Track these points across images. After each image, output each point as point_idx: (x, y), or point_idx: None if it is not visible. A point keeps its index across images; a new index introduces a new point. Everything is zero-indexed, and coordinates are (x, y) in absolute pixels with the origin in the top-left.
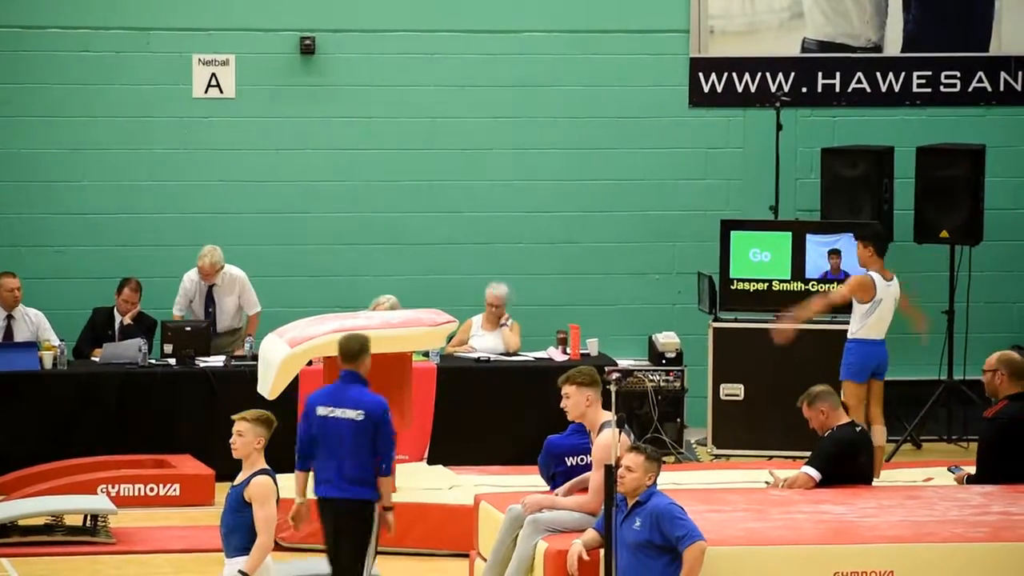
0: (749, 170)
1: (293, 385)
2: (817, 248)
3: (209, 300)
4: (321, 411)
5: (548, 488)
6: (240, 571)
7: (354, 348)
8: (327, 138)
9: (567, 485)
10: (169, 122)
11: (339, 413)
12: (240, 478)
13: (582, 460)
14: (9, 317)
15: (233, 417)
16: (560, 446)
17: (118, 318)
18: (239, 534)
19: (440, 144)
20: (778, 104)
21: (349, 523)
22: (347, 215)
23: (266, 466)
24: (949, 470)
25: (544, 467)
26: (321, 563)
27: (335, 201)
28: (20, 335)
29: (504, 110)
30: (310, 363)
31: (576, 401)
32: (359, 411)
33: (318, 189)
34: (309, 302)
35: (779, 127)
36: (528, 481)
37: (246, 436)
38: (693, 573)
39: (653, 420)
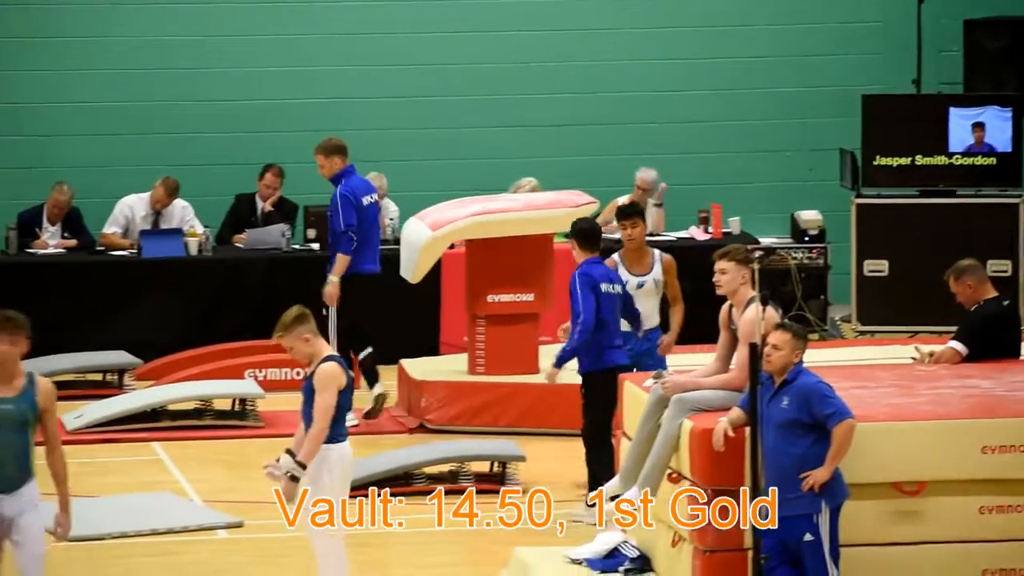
0: (888, 44)
1: (436, 269)
2: (960, 121)
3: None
4: None
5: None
6: (295, 459)
7: None
8: (455, 22)
9: (707, 367)
10: (296, 7)
11: None
12: (310, 369)
13: (614, 288)
14: (157, 213)
15: (275, 341)
16: (593, 275)
17: (259, 204)
18: None
19: (570, 24)
20: None
21: None
22: (480, 98)
23: (331, 352)
24: (916, 349)
25: (580, 295)
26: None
27: (468, 85)
28: (166, 225)
29: None
30: (452, 246)
31: (732, 277)
32: None
33: (448, 72)
34: (445, 185)
35: None
36: (677, 360)
37: (295, 347)
38: (842, 451)
39: (796, 298)
